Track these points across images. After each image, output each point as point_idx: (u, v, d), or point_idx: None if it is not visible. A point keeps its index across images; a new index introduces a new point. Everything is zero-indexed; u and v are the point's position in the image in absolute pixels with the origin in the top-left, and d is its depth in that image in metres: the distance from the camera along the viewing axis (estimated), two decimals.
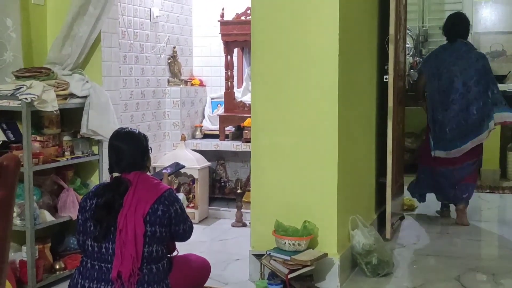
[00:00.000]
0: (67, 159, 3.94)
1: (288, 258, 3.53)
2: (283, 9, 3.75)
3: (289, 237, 3.61)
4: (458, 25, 5.29)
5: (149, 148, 3.41)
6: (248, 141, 5.21)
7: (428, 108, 5.28)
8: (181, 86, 5.70)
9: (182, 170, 5.22)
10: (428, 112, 5.29)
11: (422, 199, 5.57)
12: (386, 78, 4.62)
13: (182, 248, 3.50)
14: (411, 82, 7.46)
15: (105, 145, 4.16)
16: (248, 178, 5.26)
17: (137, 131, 3.35)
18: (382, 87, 4.82)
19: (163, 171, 4.03)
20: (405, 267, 4.11)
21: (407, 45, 6.51)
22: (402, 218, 5.31)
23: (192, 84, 5.91)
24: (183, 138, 5.53)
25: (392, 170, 4.59)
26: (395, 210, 4.91)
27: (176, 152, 5.46)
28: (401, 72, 5.10)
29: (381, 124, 4.81)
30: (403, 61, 5.29)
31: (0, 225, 1.05)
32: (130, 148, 3.24)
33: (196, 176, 5.35)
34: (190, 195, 5.39)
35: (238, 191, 5.33)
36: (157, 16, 5.46)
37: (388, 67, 4.59)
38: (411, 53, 7.68)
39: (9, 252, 1.12)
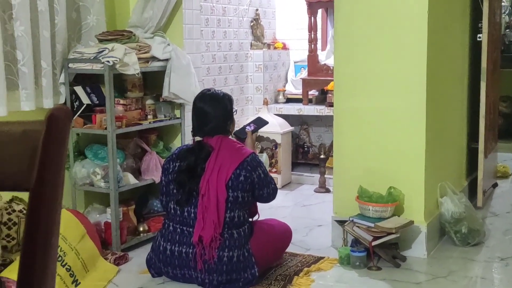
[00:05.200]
0: (150, 122, 3.95)
1: (372, 225, 3.40)
2: None
3: (373, 203, 3.48)
4: None
5: (234, 110, 3.34)
6: (331, 105, 5.05)
7: None
8: (264, 49, 5.60)
9: (265, 134, 5.15)
10: None
11: None
12: (479, 37, 4.38)
13: (264, 213, 3.45)
14: (507, 42, 7.05)
15: (187, 109, 4.15)
16: (332, 143, 5.13)
17: (221, 94, 3.29)
18: (475, 47, 4.55)
19: (246, 128, 3.87)
20: (497, 237, 3.90)
21: (502, 3, 6.13)
22: (495, 185, 5.04)
23: (275, 48, 5.81)
24: (266, 103, 5.46)
25: (485, 135, 4.35)
26: (488, 177, 4.67)
27: (258, 116, 5.40)
28: (496, 31, 4.80)
29: (474, 87, 4.54)
30: (499, 21, 4.97)
31: (50, 183, 0.99)
32: (214, 111, 3.20)
33: (278, 141, 5.28)
34: (273, 160, 5.33)
35: (322, 156, 5.22)
36: None
37: (482, 25, 4.33)
38: (507, 12, 7.24)
39: (60, 215, 1.06)
